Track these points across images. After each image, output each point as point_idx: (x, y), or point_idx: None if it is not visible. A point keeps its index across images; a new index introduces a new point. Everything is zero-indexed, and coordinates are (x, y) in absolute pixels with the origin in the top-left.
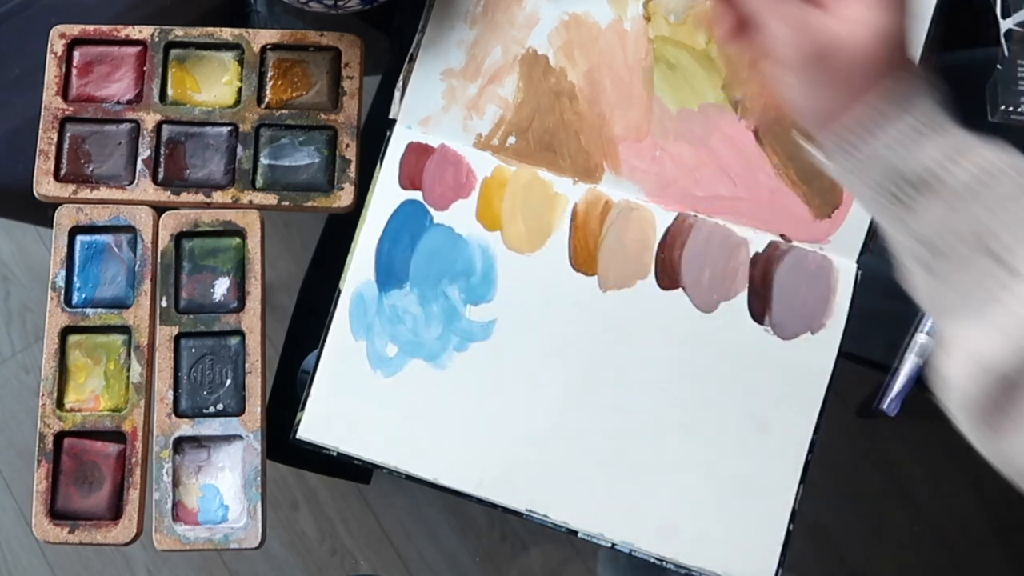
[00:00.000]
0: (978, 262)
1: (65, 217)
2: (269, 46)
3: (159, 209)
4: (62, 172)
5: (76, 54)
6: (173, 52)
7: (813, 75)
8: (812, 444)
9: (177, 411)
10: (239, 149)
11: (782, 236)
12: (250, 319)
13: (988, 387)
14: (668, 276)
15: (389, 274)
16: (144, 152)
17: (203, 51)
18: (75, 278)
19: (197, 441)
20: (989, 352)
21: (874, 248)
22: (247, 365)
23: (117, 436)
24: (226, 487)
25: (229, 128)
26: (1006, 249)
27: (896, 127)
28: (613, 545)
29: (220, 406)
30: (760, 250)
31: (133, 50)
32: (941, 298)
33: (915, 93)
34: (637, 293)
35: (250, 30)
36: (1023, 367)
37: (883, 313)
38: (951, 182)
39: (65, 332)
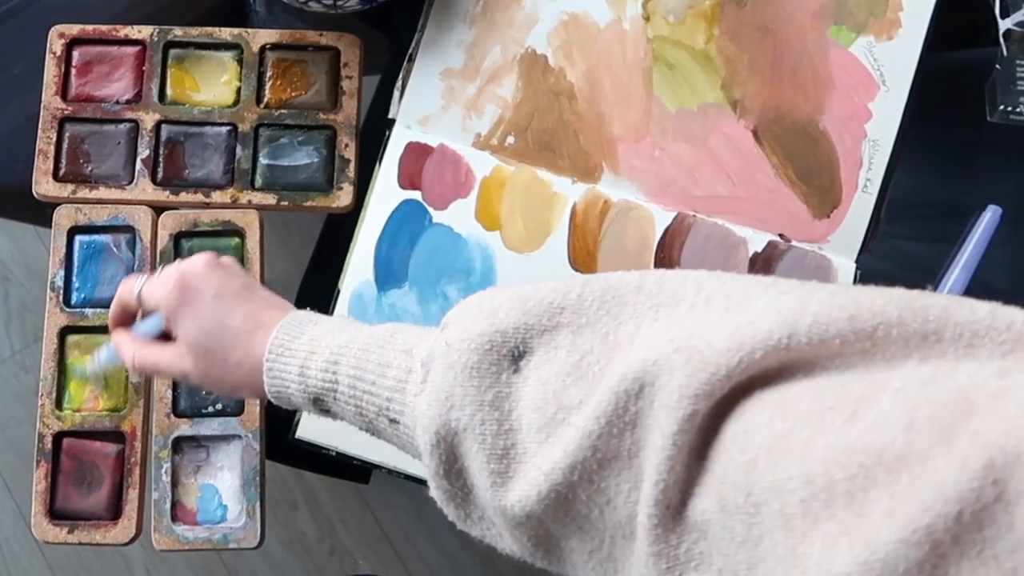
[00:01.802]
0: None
1: (64, 217)
2: (268, 46)
3: (158, 209)
4: (61, 172)
5: (75, 54)
6: (172, 52)
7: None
8: None
9: (176, 411)
10: (238, 149)
11: (781, 236)
12: None
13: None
14: None
15: (388, 273)
16: (143, 152)
17: (202, 51)
18: (74, 278)
19: (196, 441)
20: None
21: (873, 248)
22: None
23: (116, 436)
24: (225, 487)
25: (228, 128)
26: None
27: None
28: None
29: (219, 406)
30: (759, 250)
31: (132, 50)
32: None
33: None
34: None
35: (249, 30)
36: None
37: None
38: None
39: (64, 332)
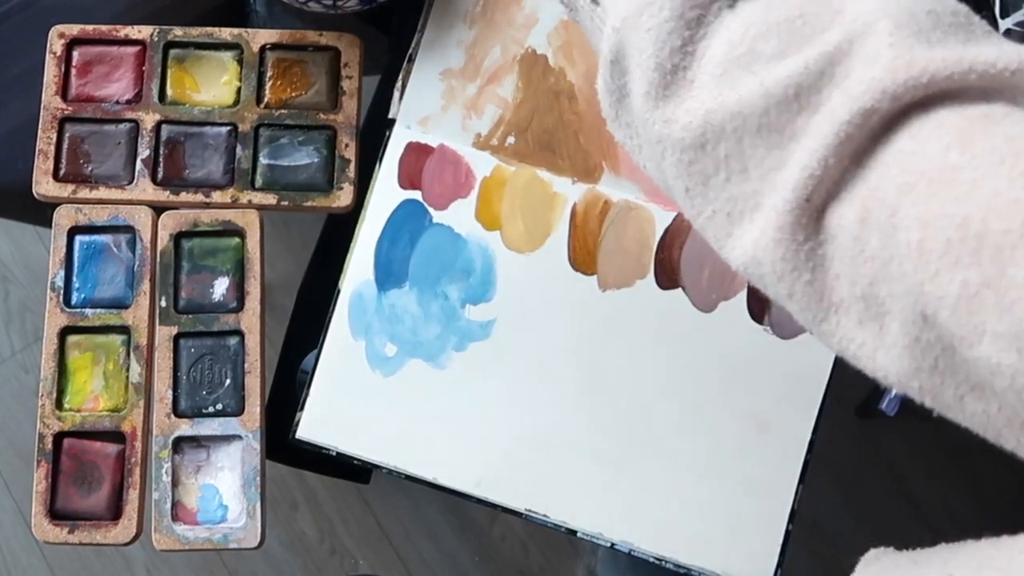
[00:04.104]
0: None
1: (64, 217)
2: (268, 46)
3: (158, 209)
4: (61, 172)
5: (75, 54)
6: (172, 52)
7: None
8: (811, 444)
9: (176, 411)
10: (238, 149)
11: None
12: (249, 319)
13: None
14: (667, 276)
15: (388, 273)
16: (143, 152)
17: (202, 51)
18: (74, 278)
19: (196, 441)
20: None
21: None
22: (246, 365)
23: (116, 436)
24: (225, 487)
25: (228, 128)
26: None
27: None
28: (612, 545)
29: (219, 406)
30: None
31: (132, 50)
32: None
33: None
34: (636, 293)
35: (249, 30)
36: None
37: None
38: None
39: (64, 332)
